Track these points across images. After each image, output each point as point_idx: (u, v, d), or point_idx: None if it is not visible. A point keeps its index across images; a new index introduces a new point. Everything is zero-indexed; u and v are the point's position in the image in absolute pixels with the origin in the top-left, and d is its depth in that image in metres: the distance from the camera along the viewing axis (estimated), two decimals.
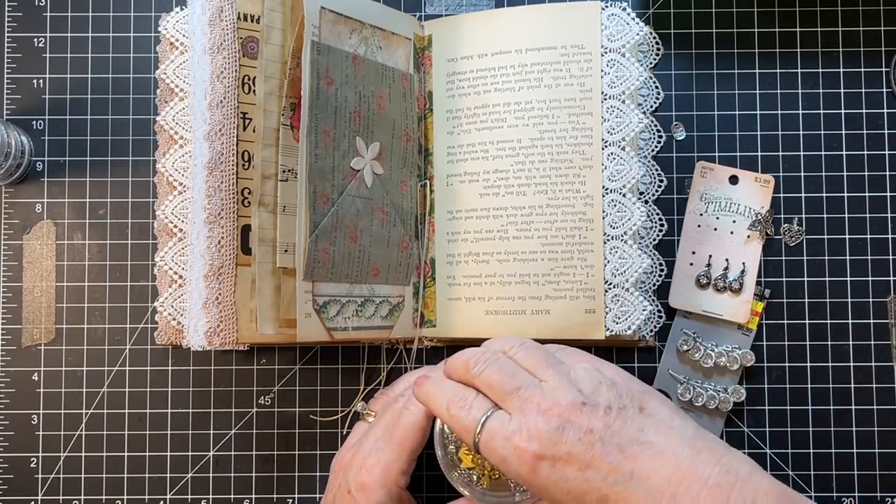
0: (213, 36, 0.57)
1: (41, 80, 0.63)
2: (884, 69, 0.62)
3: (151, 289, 0.62)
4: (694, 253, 0.61)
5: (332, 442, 0.61)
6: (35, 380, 0.61)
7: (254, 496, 0.61)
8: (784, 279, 0.61)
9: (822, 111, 0.62)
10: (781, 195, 0.61)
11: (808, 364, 0.60)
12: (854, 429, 0.60)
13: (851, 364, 0.60)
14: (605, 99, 0.58)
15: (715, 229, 0.61)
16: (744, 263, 0.60)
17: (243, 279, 0.57)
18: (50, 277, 0.62)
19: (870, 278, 0.61)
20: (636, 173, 0.58)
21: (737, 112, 0.62)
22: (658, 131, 0.61)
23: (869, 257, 0.61)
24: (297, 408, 0.61)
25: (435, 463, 0.53)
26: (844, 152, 0.61)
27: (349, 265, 0.57)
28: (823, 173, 0.61)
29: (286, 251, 0.55)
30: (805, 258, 0.61)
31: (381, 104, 0.59)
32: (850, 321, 0.60)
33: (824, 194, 0.61)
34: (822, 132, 0.62)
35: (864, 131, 0.61)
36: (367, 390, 0.61)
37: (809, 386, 0.60)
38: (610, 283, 0.58)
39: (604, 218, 0.58)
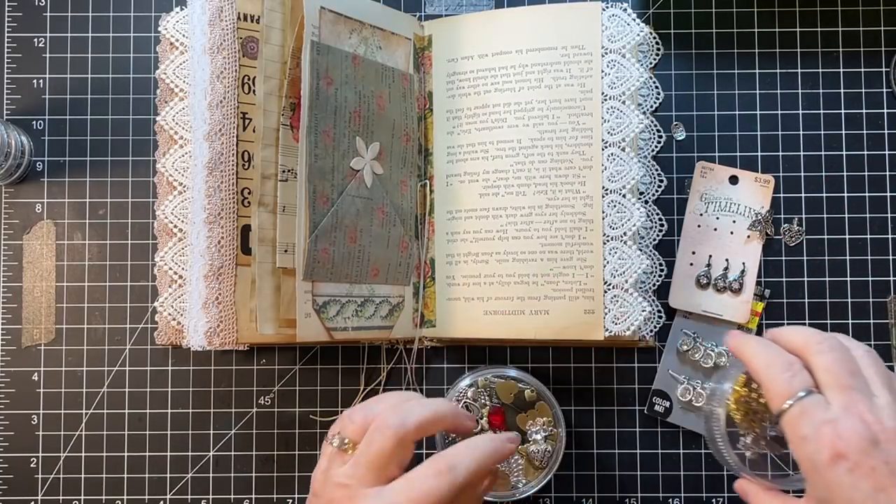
0: (213, 36, 0.57)
1: (41, 80, 0.63)
2: (884, 69, 0.62)
3: (151, 289, 0.62)
4: (694, 253, 0.61)
5: None
6: (35, 380, 0.61)
7: (254, 496, 0.61)
8: (784, 279, 0.61)
9: (822, 111, 0.62)
10: (781, 195, 0.61)
11: None
12: None
13: None
14: (606, 99, 0.58)
15: (715, 229, 0.61)
16: (744, 263, 0.60)
17: (243, 279, 0.57)
18: (50, 277, 0.62)
19: (870, 278, 0.61)
20: (636, 174, 0.58)
21: (737, 112, 0.62)
22: (658, 131, 0.61)
23: (869, 257, 0.61)
24: (297, 408, 0.61)
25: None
26: (844, 152, 0.61)
27: (349, 265, 0.57)
28: (823, 173, 0.61)
29: (286, 251, 0.55)
30: (805, 258, 0.61)
31: (381, 104, 0.59)
32: (850, 321, 0.60)
33: (824, 194, 0.61)
34: (822, 132, 0.62)
35: (864, 131, 0.61)
36: (367, 390, 0.61)
37: None
38: (609, 284, 0.58)
39: (603, 218, 0.58)
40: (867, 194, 0.61)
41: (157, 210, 0.61)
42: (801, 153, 0.61)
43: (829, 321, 0.61)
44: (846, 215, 0.61)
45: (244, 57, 0.57)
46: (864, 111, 0.62)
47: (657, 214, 0.61)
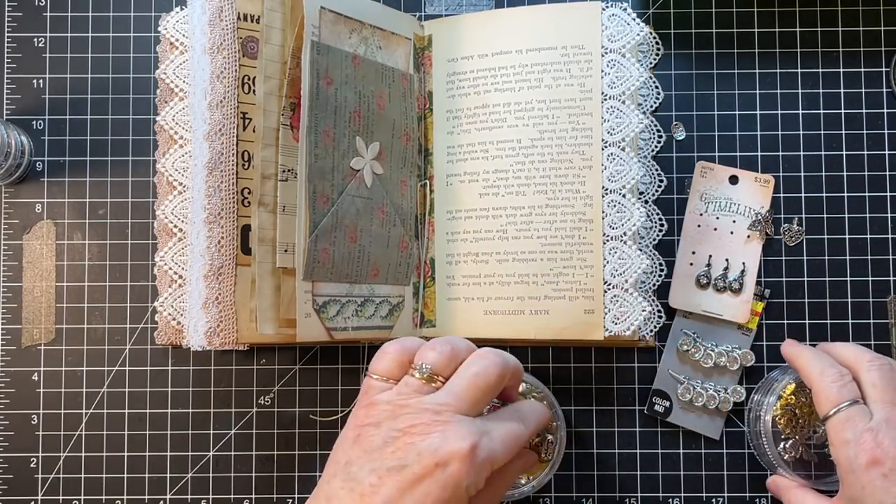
0: (213, 36, 0.57)
1: (41, 80, 0.63)
2: (884, 69, 0.62)
3: (151, 289, 0.62)
4: (694, 253, 0.61)
5: (331, 442, 0.61)
6: (35, 380, 0.61)
7: (254, 496, 0.61)
8: (784, 279, 0.61)
9: (822, 111, 0.62)
10: (781, 195, 0.61)
11: None
12: None
13: None
14: (606, 99, 0.58)
15: (715, 229, 0.61)
16: (744, 263, 0.60)
17: (243, 279, 0.57)
18: (50, 277, 0.62)
19: (870, 278, 0.61)
20: (636, 174, 0.58)
21: (737, 112, 0.62)
22: (658, 131, 0.61)
23: (869, 257, 0.61)
24: (297, 408, 0.61)
25: None
26: (844, 152, 0.61)
27: (349, 265, 0.57)
28: (823, 173, 0.61)
29: (286, 251, 0.55)
30: (805, 258, 0.61)
31: (381, 104, 0.59)
32: (850, 321, 0.60)
33: (824, 194, 0.61)
34: (822, 132, 0.62)
35: (864, 131, 0.61)
36: None
37: None
38: (609, 284, 0.58)
39: (603, 218, 0.58)
40: (867, 194, 0.61)
41: (157, 210, 0.61)
42: (801, 153, 0.61)
43: (829, 321, 0.61)
44: (846, 215, 0.61)
45: (244, 57, 0.57)
46: (864, 111, 0.62)
47: (657, 214, 0.61)
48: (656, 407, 0.60)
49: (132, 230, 0.62)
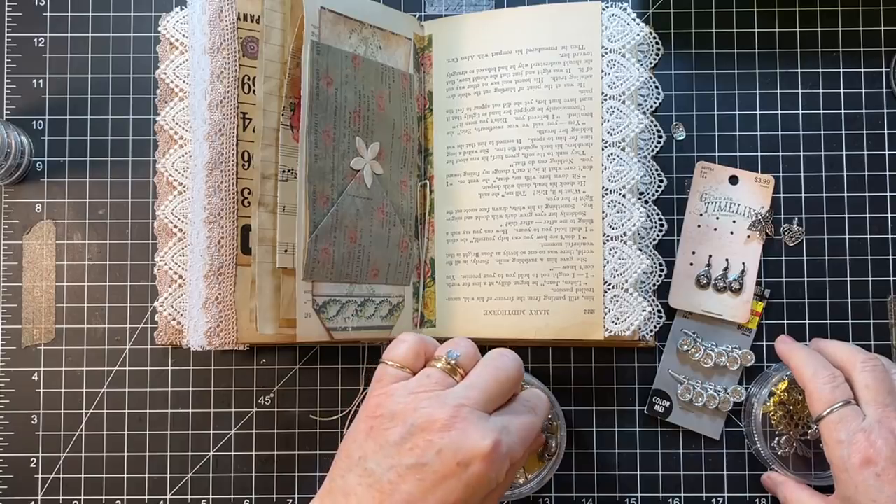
0: (213, 36, 0.57)
1: (41, 80, 0.63)
2: (884, 69, 0.62)
3: (151, 289, 0.62)
4: (694, 253, 0.61)
5: (332, 442, 0.61)
6: (35, 380, 0.61)
7: (254, 496, 0.61)
8: (784, 279, 0.61)
9: (822, 111, 0.62)
10: (781, 195, 0.61)
11: None
12: None
13: None
14: (606, 99, 0.58)
15: (715, 229, 0.61)
16: (744, 263, 0.60)
17: (243, 279, 0.57)
18: (50, 277, 0.62)
19: (870, 278, 0.61)
20: (636, 174, 0.58)
21: (737, 112, 0.62)
22: (658, 131, 0.61)
23: (869, 257, 0.61)
24: (296, 408, 0.61)
25: None
26: (844, 152, 0.61)
27: (349, 265, 0.57)
28: (823, 173, 0.61)
29: (286, 251, 0.55)
30: (805, 258, 0.61)
31: (381, 104, 0.59)
32: (850, 321, 0.60)
33: (824, 194, 0.61)
34: (822, 132, 0.62)
35: (864, 131, 0.61)
36: (367, 390, 0.61)
37: None
38: (609, 284, 0.58)
39: (603, 218, 0.58)
40: (867, 194, 0.61)
41: (157, 210, 0.61)
42: (801, 153, 0.61)
43: (829, 321, 0.61)
44: (846, 215, 0.61)
45: (244, 57, 0.57)
46: (864, 111, 0.62)
47: (657, 214, 0.61)
48: (656, 407, 0.60)
49: (132, 230, 0.62)
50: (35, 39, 0.63)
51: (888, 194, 0.61)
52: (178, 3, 0.63)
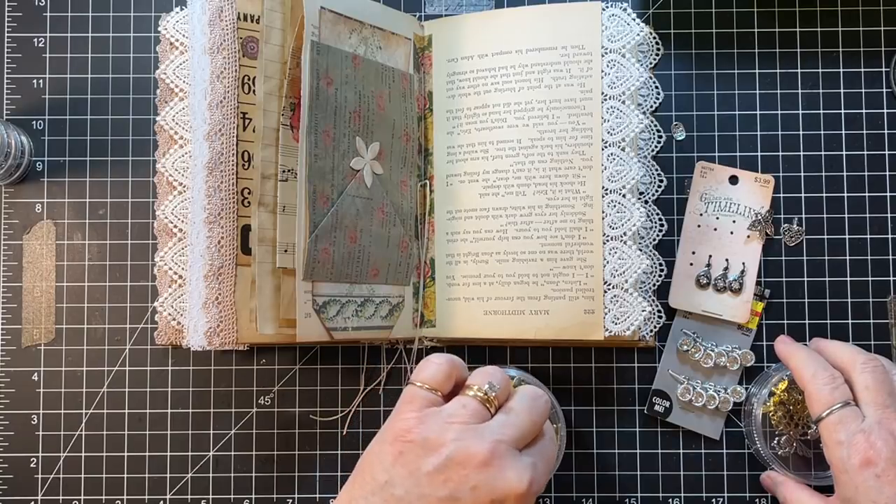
0: (213, 36, 0.57)
1: (41, 80, 0.63)
2: (884, 69, 0.62)
3: (151, 289, 0.62)
4: (694, 253, 0.61)
5: (332, 442, 0.61)
6: (35, 380, 0.61)
7: (254, 496, 0.61)
8: (784, 279, 0.61)
9: (822, 111, 0.62)
10: (781, 195, 0.61)
11: None
12: None
13: None
14: (606, 99, 0.58)
15: (715, 229, 0.61)
16: (744, 263, 0.60)
17: (243, 279, 0.57)
18: (50, 277, 0.62)
19: (870, 278, 0.61)
20: (636, 174, 0.58)
21: (737, 112, 0.62)
22: (658, 131, 0.61)
23: (869, 257, 0.61)
24: (296, 408, 0.61)
25: None
26: (844, 152, 0.61)
27: (349, 265, 0.57)
28: (823, 173, 0.61)
29: (286, 251, 0.55)
30: (805, 258, 0.61)
31: (381, 104, 0.59)
32: (850, 321, 0.60)
33: (824, 194, 0.61)
34: (822, 132, 0.62)
35: (864, 131, 0.61)
36: (367, 390, 0.61)
37: None
38: (609, 284, 0.58)
39: (603, 218, 0.58)
40: (867, 194, 0.61)
41: (157, 210, 0.61)
42: (801, 153, 0.61)
43: (829, 321, 0.61)
44: (846, 215, 0.61)
45: (244, 57, 0.57)
46: (864, 111, 0.62)
47: (657, 214, 0.61)
48: (656, 407, 0.60)
49: (132, 230, 0.62)
50: (35, 39, 0.63)
51: (888, 194, 0.61)
52: (178, 3, 0.63)
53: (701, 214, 0.61)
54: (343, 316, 0.57)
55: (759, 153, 0.61)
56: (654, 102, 0.61)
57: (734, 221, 0.61)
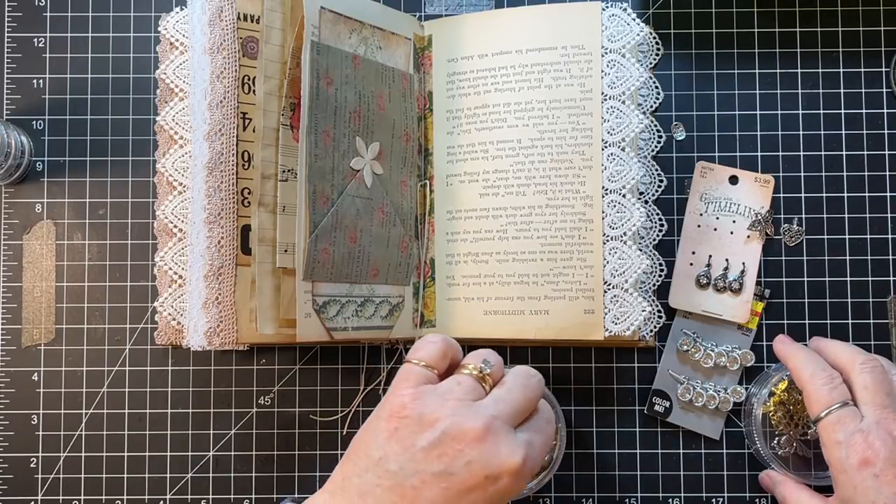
0: (213, 36, 0.57)
1: (41, 80, 0.63)
2: (884, 69, 0.62)
3: (151, 289, 0.62)
4: (694, 253, 0.61)
5: (332, 442, 0.61)
6: (35, 380, 0.61)
7: (254, 496, 0.61)
8: (784, 279, 0.61)
9: (822, 111, 0.62)
10: (781, 195, 0.61)
11: None
12: None
13: None
14: (606, 99, 0.58)
15: (715, 229, 0.61)
16: (744, 263, 0.60)
17: (243, 279, 0.57)
18: (50, 277, 0.62)
19: (870, 278, 0.61)
20: (636, 174, 0.58)
21: (737, 112, 0.62)
22: (658, 131, 0.61)
23: (869, 257, 0.61)
24: (296, 408, 0.61)
25: None
26: (844, 152, 0.61)
27: (349, 265, 0.57)
28: (823, 173, 0.61)
29: (286, 251, 0.55)
30: (805, 258, 0.61)
31: (381, 104, 0.59)
32: (850, 321, 0.60)
33: (824, 194, 0.61)
34: (822, 132, 0.62)
35: (864, 131, 0.61)
36: (367, 390, 0.61)
37: None
38: (609, 284, 0.58)
39: (603, 218, 0.58)
40: (867, 194, 0.61)
41: (157, 210, 0.61)
42: (801, 153, 0.61)
43: (828, 321, 0.61)
44: (846, 215, 0.61)
45: (244, 57, 0.57)
46: (864, 111, 0.62)
47: (657, 214, 0.61)
48: (656, 407, 0.60)
49: (132, 230, 0.62)
50: (35, 39, 0.63)
51: (888, 194, 0.61)
52: (178, 3, 0.63)
53: (701, 214, 0.61)
54: (343, 316, 0.57)
55: (759, 153, 0.61)
56: (654, 102, 0.61)
57: (734, 221, 0.61)
